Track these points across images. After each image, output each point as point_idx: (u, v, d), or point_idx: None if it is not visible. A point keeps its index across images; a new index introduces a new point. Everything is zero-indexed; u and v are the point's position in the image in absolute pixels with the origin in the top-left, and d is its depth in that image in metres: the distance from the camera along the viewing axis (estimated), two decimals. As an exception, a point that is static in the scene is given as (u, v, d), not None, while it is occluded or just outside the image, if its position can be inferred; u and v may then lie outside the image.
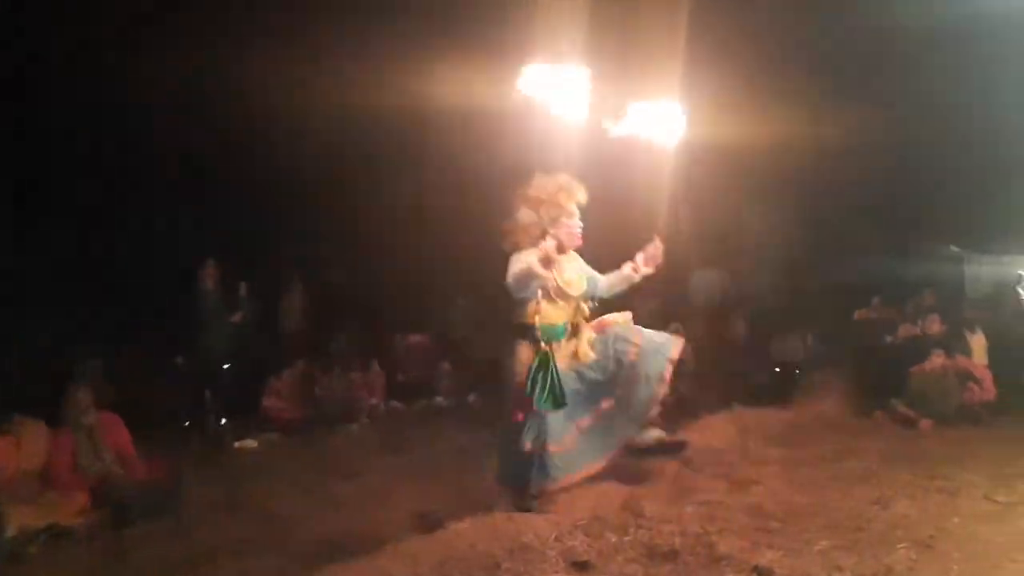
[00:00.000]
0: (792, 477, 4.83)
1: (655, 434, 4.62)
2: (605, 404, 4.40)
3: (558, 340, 4.36)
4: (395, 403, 8.07)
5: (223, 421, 7.12)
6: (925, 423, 6.76)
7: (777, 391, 7.83)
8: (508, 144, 4.92)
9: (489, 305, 9.35)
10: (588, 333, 4.46)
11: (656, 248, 4.59)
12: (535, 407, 4.16)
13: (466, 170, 8.84)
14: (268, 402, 7.48)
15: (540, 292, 4.30)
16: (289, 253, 9.49)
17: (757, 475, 4.80)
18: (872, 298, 9.18)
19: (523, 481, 4.21)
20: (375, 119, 8.59)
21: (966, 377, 7.18)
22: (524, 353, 4.29)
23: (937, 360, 7.14)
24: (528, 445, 4.16)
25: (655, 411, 4.50)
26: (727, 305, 9.38)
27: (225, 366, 7.47)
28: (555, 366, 4.22)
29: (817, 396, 7.48)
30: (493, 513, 3.95)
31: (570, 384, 4.26)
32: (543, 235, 4.30)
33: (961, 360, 7.41)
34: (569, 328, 4.43)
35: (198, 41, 7.57)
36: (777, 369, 8.55)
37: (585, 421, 4.36)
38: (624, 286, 4.65)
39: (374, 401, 7.80)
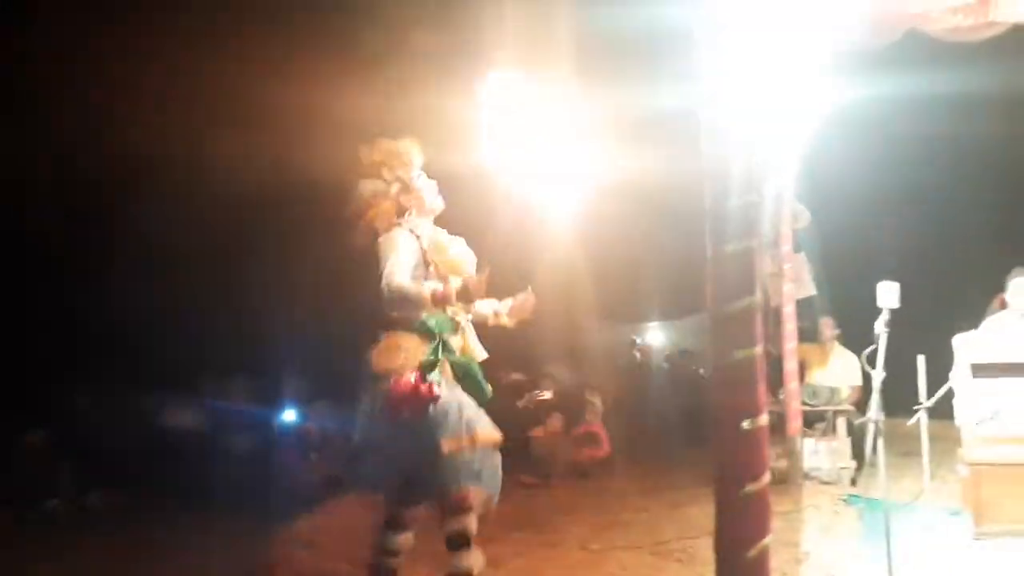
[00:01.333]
0: (420, 551, 5.02)
1: None
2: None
3: (449, 334, 3.60)
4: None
5: None
6: (546, 480, 7.37)
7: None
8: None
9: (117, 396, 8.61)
10: (470, 328, 3.71)
11: (528, 301, 3.78)
12: (436, 389, 3.39)
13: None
14: None
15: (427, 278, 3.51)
16: None
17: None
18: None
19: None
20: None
21: (583, 438, 8.08)
22: (415, 348, 3.46)
23: (554, 423, 7.97)
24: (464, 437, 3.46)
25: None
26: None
27: None
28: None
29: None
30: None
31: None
32: (397, 207, 3.58)
33: (581, 422, 8.31)
34: (453, 323, 3.63)
35: None
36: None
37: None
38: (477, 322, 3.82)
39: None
